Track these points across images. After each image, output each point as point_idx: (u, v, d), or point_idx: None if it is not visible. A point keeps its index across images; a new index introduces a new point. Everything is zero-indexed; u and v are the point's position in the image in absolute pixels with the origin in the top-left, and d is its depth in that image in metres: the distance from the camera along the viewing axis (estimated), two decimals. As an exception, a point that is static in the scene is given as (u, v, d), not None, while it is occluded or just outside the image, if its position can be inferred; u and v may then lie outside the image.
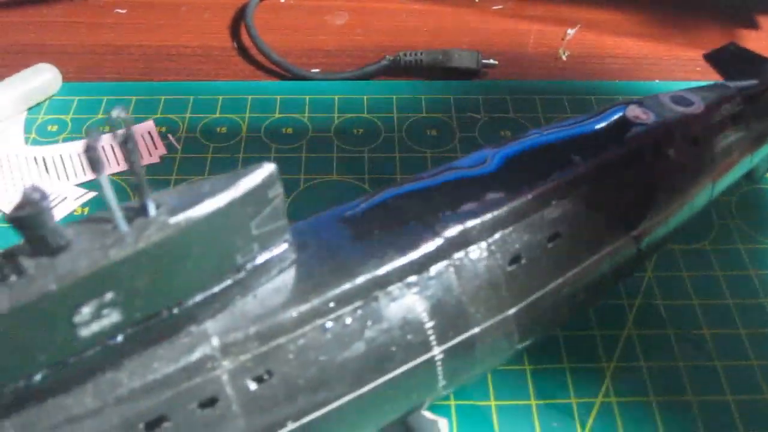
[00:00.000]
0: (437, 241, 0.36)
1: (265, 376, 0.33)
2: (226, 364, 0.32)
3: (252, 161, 0.58)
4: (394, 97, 0.65)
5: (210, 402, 0.32)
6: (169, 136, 0.61)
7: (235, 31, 0.73)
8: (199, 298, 0.31)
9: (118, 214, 0.28)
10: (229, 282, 0.32)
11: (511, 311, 0.38)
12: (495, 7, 0.77)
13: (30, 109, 0.63)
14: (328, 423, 0.34)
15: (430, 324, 0.36)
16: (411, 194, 0.39)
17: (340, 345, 0.34)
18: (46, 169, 0.58)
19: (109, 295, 0.29)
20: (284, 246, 0.34)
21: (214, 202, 0.30)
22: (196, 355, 0.31)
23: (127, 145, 0.28)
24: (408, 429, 0.39)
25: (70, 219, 0.52)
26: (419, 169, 0.58)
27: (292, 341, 0.33)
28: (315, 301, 0.34)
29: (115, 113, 0.27)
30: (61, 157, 0.59)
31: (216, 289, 0.32)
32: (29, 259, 0.27)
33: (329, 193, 0.57)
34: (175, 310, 0.31)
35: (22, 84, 0.62)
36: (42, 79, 0.63)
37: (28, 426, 0.29)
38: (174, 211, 0.29)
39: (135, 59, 0.70)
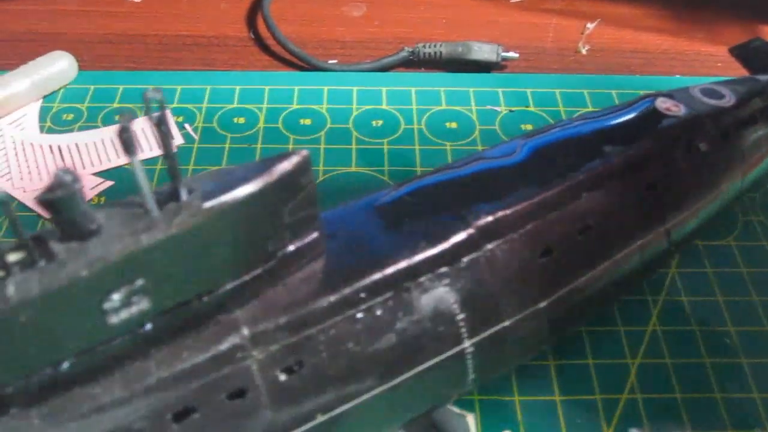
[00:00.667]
0: (469, 232, 0.36)
1: (295, 367, 0.32)
2: (256, 354, 0.31)
3: (270, 152, 0.58)
4: (413, 89, 0.64)
5: (239, 393, 0.31)
6: (186, 125, 0.60)
7: (251, 21, 0.72)
8: (229, 286, 0.31)
9: (150, 198, 0.28)
10: (259, 270, 0.32)
11: (542, 304, 0.37)
12: (513, 0, 0.77)
13: (45, 97, 0.62)
14: (357, 416, 0.34)
15: (461, 316, 0.35)
16: (441, 184, 0.39)
17: (371, 336, 0.33)
18: (62, 157, 0.57)
19: (139, 282, 0.28)
20: (315, 234, 0.33)
21: (247, 188, 0.29)
22: (225, 345, 0.31)
23: (161, 127, 0.27)
24: (433, 424, 0.39)
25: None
26: (439, 162, 0.58)
27: (323, 332, 0.32)
28: (345, 292, 0.33)
29: (151, 94, 0.26)
30: (77, 146, 0.58)
31: (246, 277, 0.31)
32: (59, 243, 0.27)
33: (348, 184, 0.56)
34: (205, 299, 0.30)
35: (38, 71, 0.61)
36: (58, 66, 0.62)
37: (54, 415, 0.29)
38: (207, 196, 0.28)
39: (150, 48, 0.69)
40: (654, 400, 0.45)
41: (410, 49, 0.67)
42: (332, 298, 0.33)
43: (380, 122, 0.61)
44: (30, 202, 0.54)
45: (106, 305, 0.28)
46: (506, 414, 0.43)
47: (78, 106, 0.62)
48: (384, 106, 0.63)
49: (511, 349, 0.37)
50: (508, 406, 0.44)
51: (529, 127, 0.61)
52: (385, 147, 0.59)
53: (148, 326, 0.29)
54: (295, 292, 0.32)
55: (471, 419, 0.38)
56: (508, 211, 0.37)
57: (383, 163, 0.58)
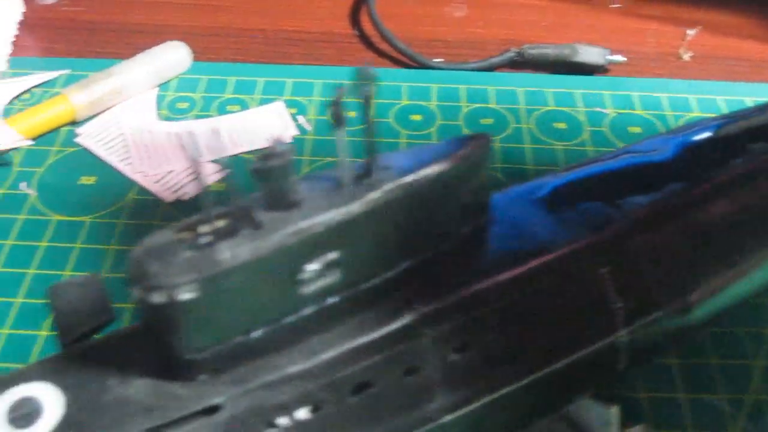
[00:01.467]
0: (625, 222, 0.36)
1: (465, 347, 0.32)
2: (429, 332, 0.32)
3: (384, 147, 0.58)
4: (519, 89, 0.65)
5: (413, 370, 0.31)
6: (299, 117, 0.61)
7: (355, 18, 0.73)
8: (406, 264, 0.31)
9: (349, 174, 0.28)
10: (433, 250, 0.32)
11: (693, 296, 0.37)
12: (613, 6, 0.77)
13: (161, 85, 0.63)
14: (517, 399, 0.34)
15: (619, 304, 0.35)
16: (596, 175, 0.39)
17: (534, 320, 0.34)
18: (180, 144, 0.58)
19: (333, 255, 0.29)
20: (484, 218, 0.34)
21: (437, 167, 0.30)
22: (401, 322, 0.31)
23: (368, 102, 0.28)
24: (569, 417, 0.39)
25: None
26: (551, 161, 0.58)
27: (490, 314, 0.33)
28: (509, 276, 0.34)
29: (364, 70, 0.27)
30: (194, 134, 0.59)
31: (423, 256, 0.32)
32: (265, 212, 0.28)
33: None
34: (386, 275, 0.31)
35: (155, 60, 0.62)
36: (174, 56, 0.63)
37: (240, 383, 0.29)
38: (401, 174, 0.29)
39: (256, 42, 0.70)
40: (779, 401, 0.45)
41: (516, 50, 0.67)
42: (498, 281, 0.33)
43: (490, 120, 0.62)
44: (150, 186, 0.55)
45: (300, 276, 0.28)
46: (633, 410, 0.44)
47: (192, 95, 0.63)
48: (492, 105, 0.63)
49: (662, 339, 0.37)
50: (635, 402, 0.44)
51: (638, 130, 0.61)
52: (497, 145, 0.59)
53: (332, 299, 0.30)
54: (464, 274, 0.33)
55: (615, 411, 0.38)
56: (661, 204, 0.37)
57: (495, 161, 0.58)
